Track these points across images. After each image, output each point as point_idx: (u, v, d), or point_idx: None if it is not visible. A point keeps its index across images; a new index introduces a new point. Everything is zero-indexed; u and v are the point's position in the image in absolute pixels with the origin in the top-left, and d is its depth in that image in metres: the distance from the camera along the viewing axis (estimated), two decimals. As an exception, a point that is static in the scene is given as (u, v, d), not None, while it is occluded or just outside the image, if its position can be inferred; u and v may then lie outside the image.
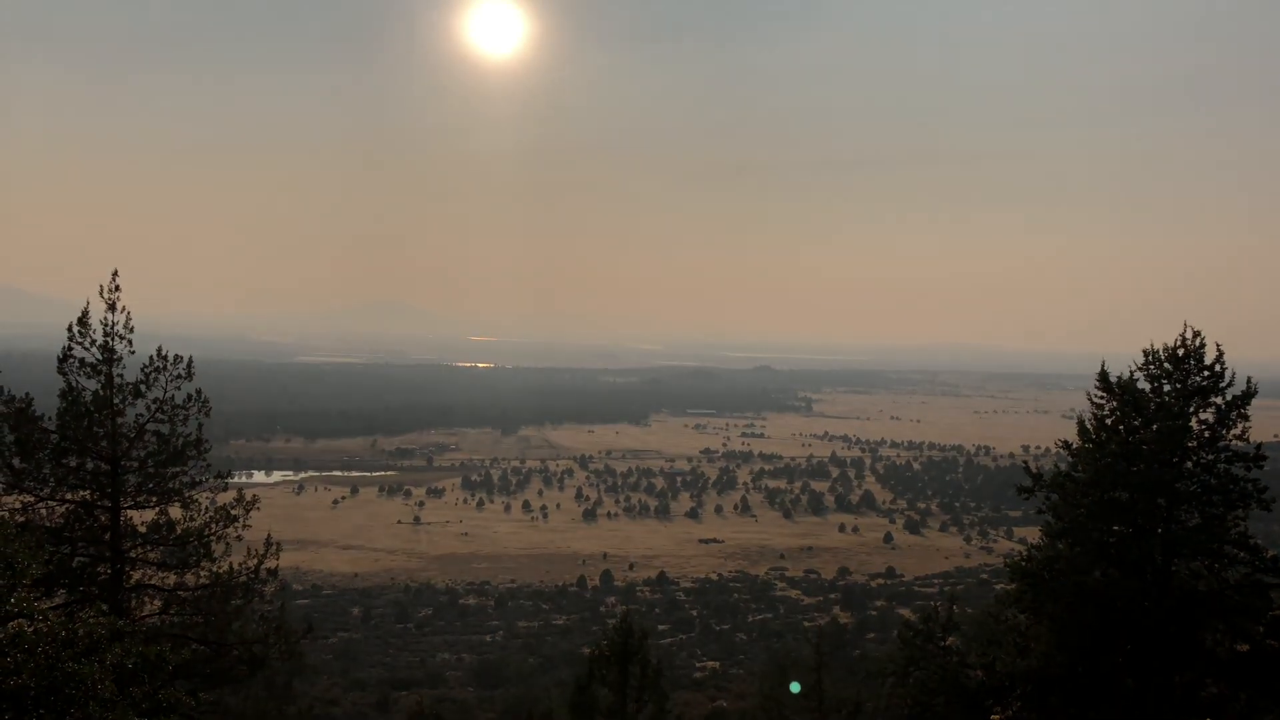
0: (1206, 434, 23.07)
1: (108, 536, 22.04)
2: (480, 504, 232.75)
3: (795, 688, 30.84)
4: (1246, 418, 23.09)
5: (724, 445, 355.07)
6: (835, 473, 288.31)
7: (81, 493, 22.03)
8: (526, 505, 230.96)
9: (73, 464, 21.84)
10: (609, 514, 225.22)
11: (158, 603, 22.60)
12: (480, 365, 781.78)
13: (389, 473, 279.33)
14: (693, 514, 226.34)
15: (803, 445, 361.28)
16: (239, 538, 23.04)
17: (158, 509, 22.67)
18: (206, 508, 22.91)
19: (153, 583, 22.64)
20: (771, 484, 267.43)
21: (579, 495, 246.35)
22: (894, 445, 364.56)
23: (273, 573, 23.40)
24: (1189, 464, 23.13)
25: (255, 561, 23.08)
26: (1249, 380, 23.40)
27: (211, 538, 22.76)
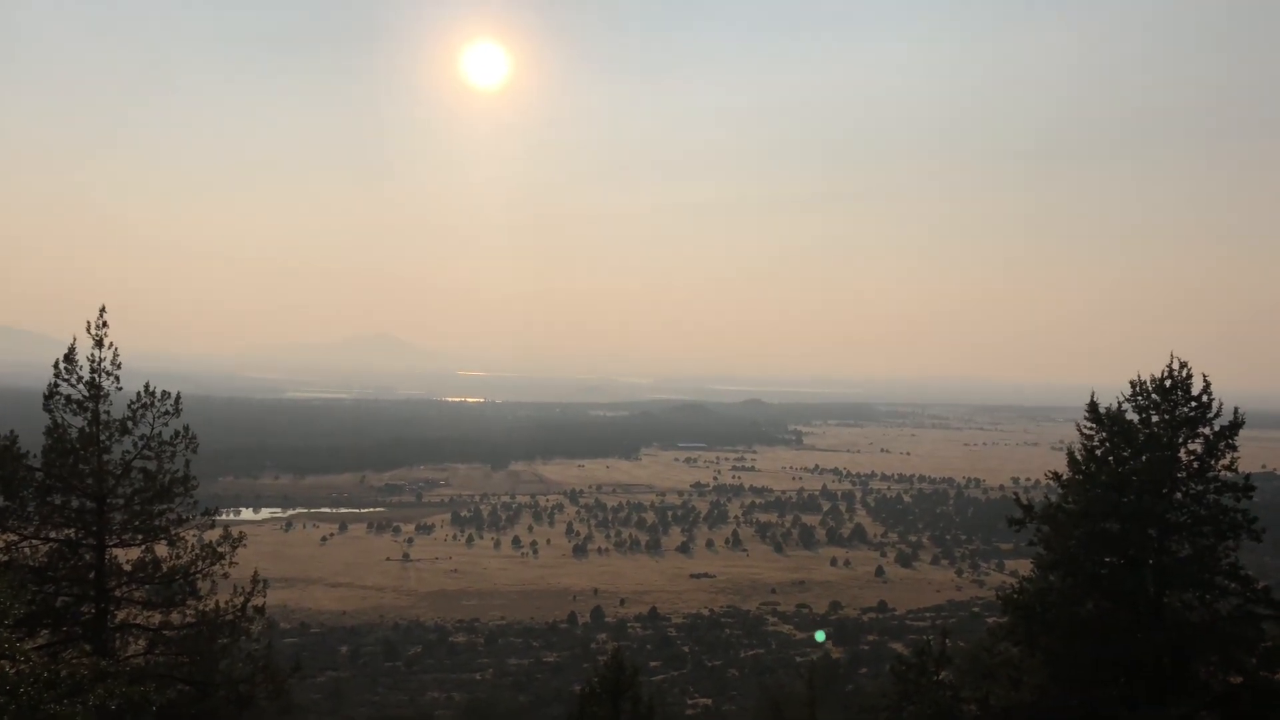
0: (1195, 465, 23.16)
1: (92, 575, 21.80)
2: (470, 540, 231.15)
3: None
4: (1235, 448, 23.20)
5: (715, 479, 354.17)
6: (826, 506, 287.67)
7: (66, 531, 21.82)
8: (516, 541, 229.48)
9: (57, 502, 21.66)
10: (600, 549, 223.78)
11: (143, 642, 22.30)
12: (470, 400, 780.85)
13: (378, 509, 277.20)
14: (684, 548, 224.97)
15: (793, 478, 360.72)
16: (225, 575, 22.81)
17: (143, 547, 22.45)
18: (193, 545, 22.71)
19: (138, 622, 22.35)
20: (762, 517, 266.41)
21: (569, 530, 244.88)
22: (884, 478, 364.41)
23: (260, 611, 23.13)
24: (1179, 495, 23.18)
25: (242, 599, 22.83)
26: (1236, 411, 23.52)
27: (198, 575, 22.54)
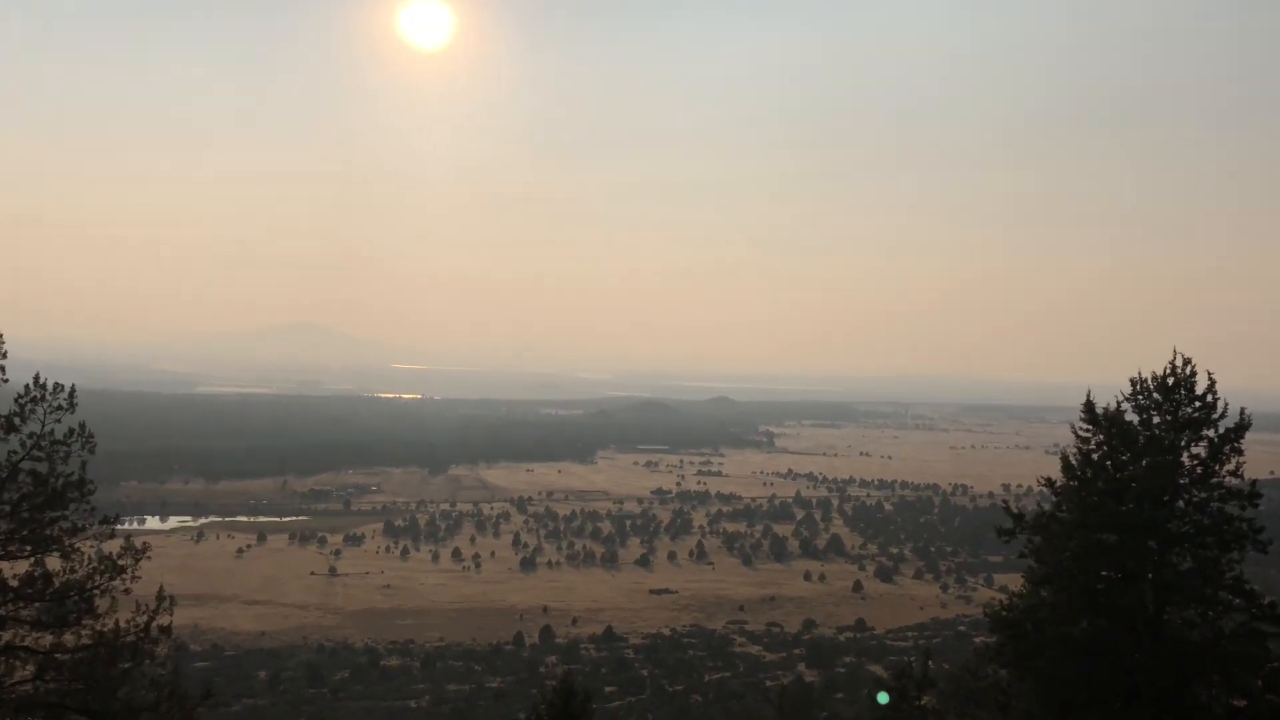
0: (1199, 470, 23.49)
1: (-27, 592, 21.35)
2: (405, 552, 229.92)
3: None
4: (1240, 452, 23.56)
5: (678, 485, 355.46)
6: (800, 515, 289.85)
7: (-57, 542, 21.35)
8: (457, 554, 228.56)
9: (-68, 509, 21.17)
10: (550, 563, 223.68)
11: (31, 667, 21.87)
12: (405, 396, 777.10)
13: (301, 518, 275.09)
14: (643, 561, 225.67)
15: (764, 485, 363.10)
16: (127, 591, 22.42)
17: (32, 559, 22.03)
18: (90, 558, 22.28)
19: (25, 644, 21.91)
20: (730, 527, 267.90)
21: (516, 542, 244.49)
22: (864, 484, 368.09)
23: (166, 631, 22.78)
24: (1180, 503, 23.52)
25: (145, 618, 22.46)
26: (1242, 411, 23.85)
27: (95, 592, 22.13)
